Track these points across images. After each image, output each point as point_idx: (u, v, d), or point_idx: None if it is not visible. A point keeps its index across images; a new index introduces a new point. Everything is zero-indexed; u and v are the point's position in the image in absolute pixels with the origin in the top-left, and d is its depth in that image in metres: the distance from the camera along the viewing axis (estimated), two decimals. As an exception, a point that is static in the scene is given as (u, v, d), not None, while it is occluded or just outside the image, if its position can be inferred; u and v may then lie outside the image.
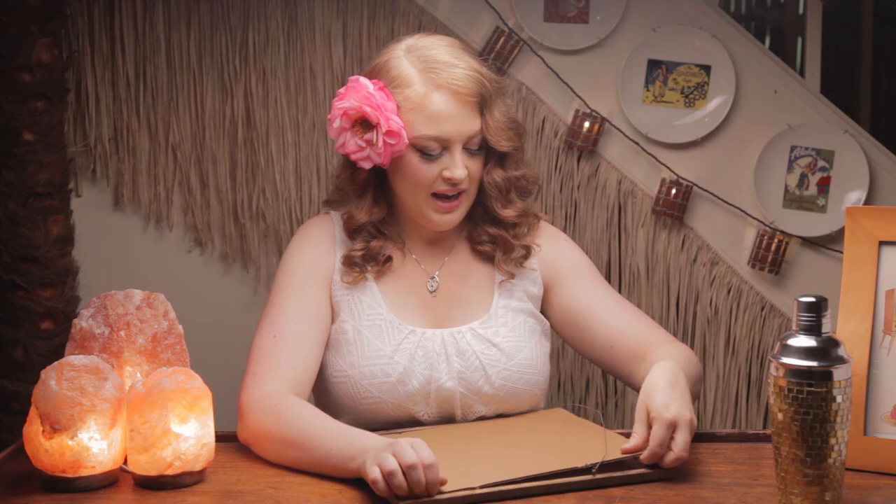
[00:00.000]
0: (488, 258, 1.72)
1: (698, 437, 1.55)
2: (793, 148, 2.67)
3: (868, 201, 2.63)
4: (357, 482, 1.38)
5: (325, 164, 2.70)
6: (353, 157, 1.61)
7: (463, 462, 1.42)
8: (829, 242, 2.67)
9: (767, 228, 2.66)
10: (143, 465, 1.38)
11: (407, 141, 1.59)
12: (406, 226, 1.71)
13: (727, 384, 2.72)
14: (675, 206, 2.66)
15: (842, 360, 1.25)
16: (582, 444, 1.47)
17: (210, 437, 1.41)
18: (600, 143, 2.69)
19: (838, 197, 2.66)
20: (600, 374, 2.76)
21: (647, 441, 1.40)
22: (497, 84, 1.64)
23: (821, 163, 2.66)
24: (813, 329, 1.26)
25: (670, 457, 1.39)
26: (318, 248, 1.68)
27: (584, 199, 2.72)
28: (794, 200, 2.68)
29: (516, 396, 1.66)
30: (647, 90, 2.69)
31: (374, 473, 1.30)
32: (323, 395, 1.67)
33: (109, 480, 1.41)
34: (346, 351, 1.63)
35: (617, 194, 2.71)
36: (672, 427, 1.39)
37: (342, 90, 1.61)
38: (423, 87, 1.59)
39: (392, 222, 1.71)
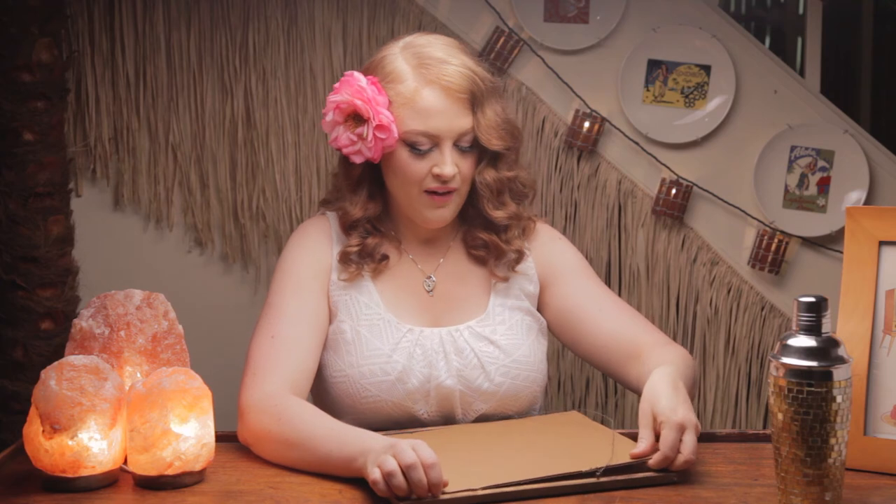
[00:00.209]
0: (483, 261, 1.72)
1: (698, 437, 1.55)
2: (793, 148, 2.67)
3: (868, 201, 2.63)
4: (357, 482, 1.38)
5: (325, 164, 2.70)
6: (345, 150, 1.63)
7: (466, 463, 1.42)
8: (829, 242, 2.67)
9: (767, 228, 2.66)
10: (143, 465, 1.38)
11: (397, 136, 1.59)
12: (401, 224, 1.71)
13: (727, 384, 2.72)
14: (675, 206, 2.66)
15: (842, 360, 1.25)
16: (589, 447, 1.46)
17: (210, 437, 1.41)
18: (600, 143, 2.69)
19: (838, 197, 2.66)
20: (600, 375, 2.76)
21: (654, 446, 1.41)
22: (491, 83, 1.64)
23: (821, 163, 2.66)
24: (813, 329, 1.26)
25: (679, 459, 1.39)
26: (315, 248, 1.69)
27: (584, 199, 2.72)
28: (794, 200, 2.68)
29: (515, 393, 1.66)
30: (647, 90, 2.69)
31: (375, 474, 1.30)
32: (322, 395, 1.67)
33: (109, 480, 1.41)
34: (344, 351, 1.63)
35: (617, 194, 2.71)
36: (681, 430, 1.40)
37: (337, 84, 1.63)
38: (415, 82, 1.60)
39: (388, 220, 1.72)
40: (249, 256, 2.75)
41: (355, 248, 1.66)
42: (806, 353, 1.25)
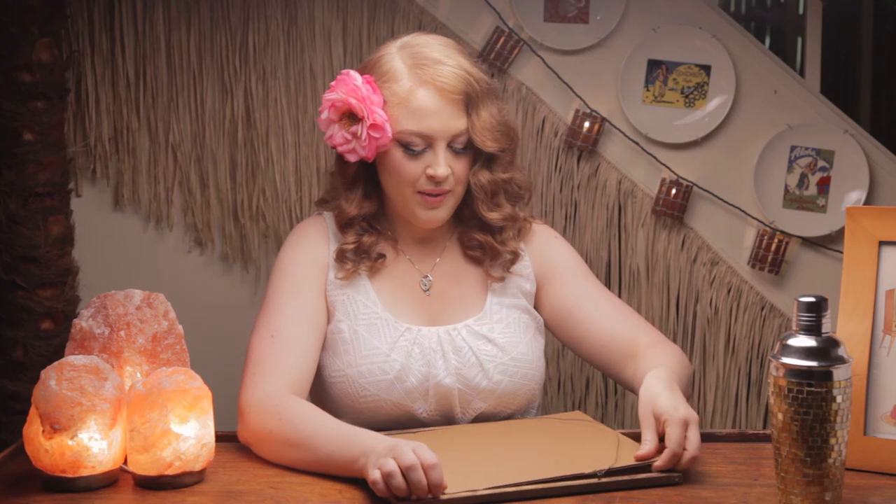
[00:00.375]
0: (479, 261, 1.73)
1: (698, 437, 1.55)
2: (793, 148, 2.67)
3: (868, 201, 2.63)
4: (357, 482, 1.38)
5: (325, 163, 2.70)
6: (340, 149, 1.63)
7: (468, 464, 1.42)
8: (829, 242, 2.67)
9: (767, 228, 2.66)
10: (143, 465, 1.38)
11: (391, 135, 1.60)
12: (397, 223, 1.71)
13: (727, 384, 2.72)
14: (675, 206, 2.66)
15: (842, 360, 1.25)
16: (592, 448, 1.46)
17: (210, 437, 1.41)
18: (600, 143, 2.69)
19: (838, 197, 2.66)
20: (600, 375, 2.76)
21: (658, 448, 1.41)
22: (487, 85, 1.64)
23: (821, 163, 2.66)
24: (813, 329, 1.26)
25: (686, 456, 1.39)
26: (312, 247, 1.69)
27: (584, 199, 2.72)
28: (794, 200, 2.68)
29: (514, 391, 1.66)
30: (647, 90, 2.69)
31: (375, 475, 1.30)
32: (321, 396, 1.67)
33: (109, 480, 1.41)
34: (342, 350, 1.63)
35: (617, 194, 2.71)
36: (685, 426, 1.40)
37: (333, 82, 1.63)
38: (410, 82, 1.60)
39: (384, 219, 1.72)
40: (249, 256, 2.75)
41: (351, 246, 1.67)
42: (806, 353, 1.25)
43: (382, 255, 1.69)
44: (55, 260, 2.49)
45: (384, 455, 1.32)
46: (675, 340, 2.70)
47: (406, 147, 1.61)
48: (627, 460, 1.40)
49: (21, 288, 2.46)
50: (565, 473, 1.36)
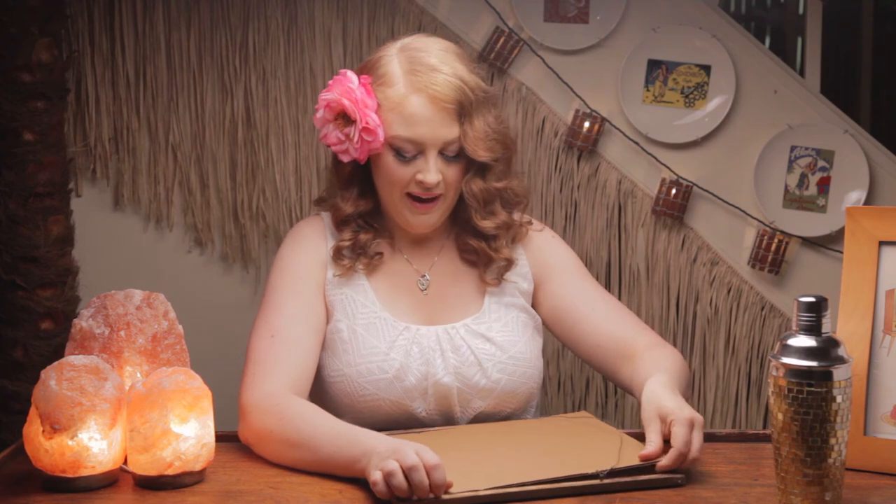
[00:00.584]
0: (474, 264, 1.73)
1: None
2: (793, 148, 2.67)
3: (868, 201, 2.63)
4: (358, 482, 1.38)
5: (325, 163, 2.70)
6: (334, 148, 1.65)
7: (470, 464, 1.42)
8: (829, 242, 2.67)
9: (767, 228, 2.66)
10: (143, 465, 1.38)
11: (383, 139, 1.60)
12: (394, 223, 1.72)
13: (727, 384, 2.72)
14: (675, 206, 2.66)
15: (842, 360, 1.25)
16: (595, 448, 1.46)
17: (210, 437, 1.41)
18: (600, 143, 2.69)
19: (838, 197, 2.66)
20: (600, 375, 2.75)
21: (661, 449, 1.41)
22: (483, 93, 1.63)
23: (821, 163, 2.66)
24: (813, 329, 1.26)
25: (688, 457, 1.40)
26: (310, 247, 1.69)
27: (584, 199, 2.72)
28: (794, 200, 2.68)
29: (513, 390, 1.67)
30: (647, 90, 2.69)
31: (376, 476, 1.31)
32: (321, 396, 1.67)
33: (109, 480, 1.41)
34: (341, 350, 1.64)
35: (617, 194, 2.71)
36: (692, 426, 1.41)
37: (330, 81, 1.64)
38: (404, 88, 1.60)
39: (381, 217, 1.72)
40: (249, 256, 2.74)
41: (348, 243, 1.67)
42: (806, 353, 1.25)
43: (379, 253, 1.69)
44: (55, 260, 2.49)
45: (386, 456, 1.32)
46: (675, 340, 2.71)
47: (398, 152, 1.61)
48: (630, 461, 1.40)
49: (21, 288, 2.46)
50: (567, 474, 1.36)
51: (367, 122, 1.59)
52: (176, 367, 1.45)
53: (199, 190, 2.71)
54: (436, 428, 1.62)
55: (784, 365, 1.25)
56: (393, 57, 1.64)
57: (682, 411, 1.42)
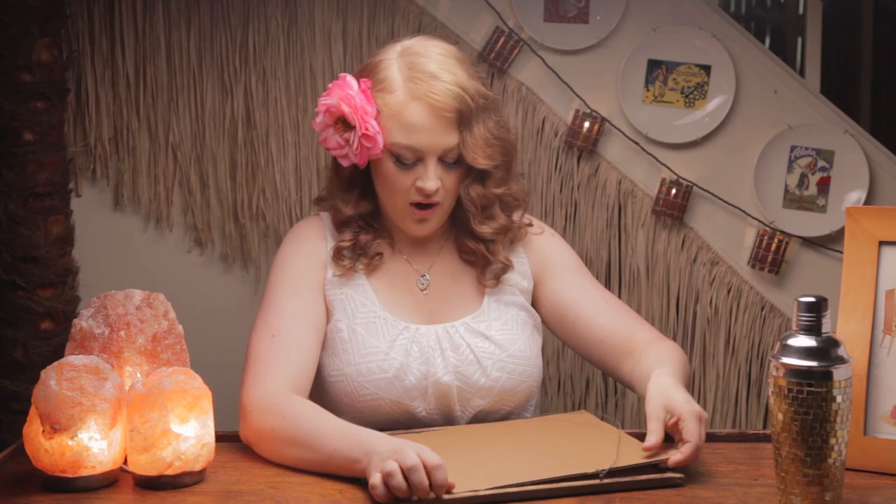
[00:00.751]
0: (472, 265, 1.73)
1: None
2: (793, 148, 2.67)
3: (868, 201, 2.63)
4: (358, 482, 1.38)
5: (325, 163, 2.70)
6: (334, 153, 1.65)
7: (471, 464, 1.42)
8: (829, 242, 2.67)
9: (767, 228, 2.66)
10: (143, 465, 1.38)
11: (382, 146, 1.60)
12: (394, 224, 1.72)
13: (727, 384, 2.72)
14: (675, 206, 2.66)
15: (842, 360, 1.25)
16: (595, 448, 1.46)
17: (210, 437, 1.41)
18: (600, 143, 2.69)
19: (838, 197, 2.66)
20: (600, 375, 2.76)
21: (662, 441, 1.42)
22: (483, 100, 1.63)
23: (821, 163, 2.66)
24: (813, 329, 1.26)
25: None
26: (310, 247, 1.69)
27: (584, 199, 2.72)
28: (794, 200, 2.68)
29: (512, 388, 1.67)
30: (647, 90, 2.69)
31: (375, 479, 1.30)
32: (321, 396, 1.67)
33: (109, 480, 1.41)
34: (341, 350, 1.64)
35: (617, 194, 2.71)
36: (700, 420, 1.42)
37: (330, 85, 1.64)
38: (404, 95, 1.60)
39: (380, 218, 1.73)
40: (249, 256, 2.74)
41: (348, 244, 1.68)
42: (806, 353, 1.25)
43: (379, 254, 1.70)
44: (55, 260, 2.49)
45: (387, 456, 1.32)
46: (674, 340, 2.70)
47: (397, 158, 1.61)
48: (630, 459, 1.40)
49: (21, 288, 2.46)
50: (567, 473, 1.36)
51: (366, 129, 1.59)
52: (176, 367, 1.45)
53: (199, 190, 2.71)
54: (436, 428, 1.62)
55: (784, 365, 1.25)
56: (393, 61, 1.63)
57: (691, 406, 1.43)
